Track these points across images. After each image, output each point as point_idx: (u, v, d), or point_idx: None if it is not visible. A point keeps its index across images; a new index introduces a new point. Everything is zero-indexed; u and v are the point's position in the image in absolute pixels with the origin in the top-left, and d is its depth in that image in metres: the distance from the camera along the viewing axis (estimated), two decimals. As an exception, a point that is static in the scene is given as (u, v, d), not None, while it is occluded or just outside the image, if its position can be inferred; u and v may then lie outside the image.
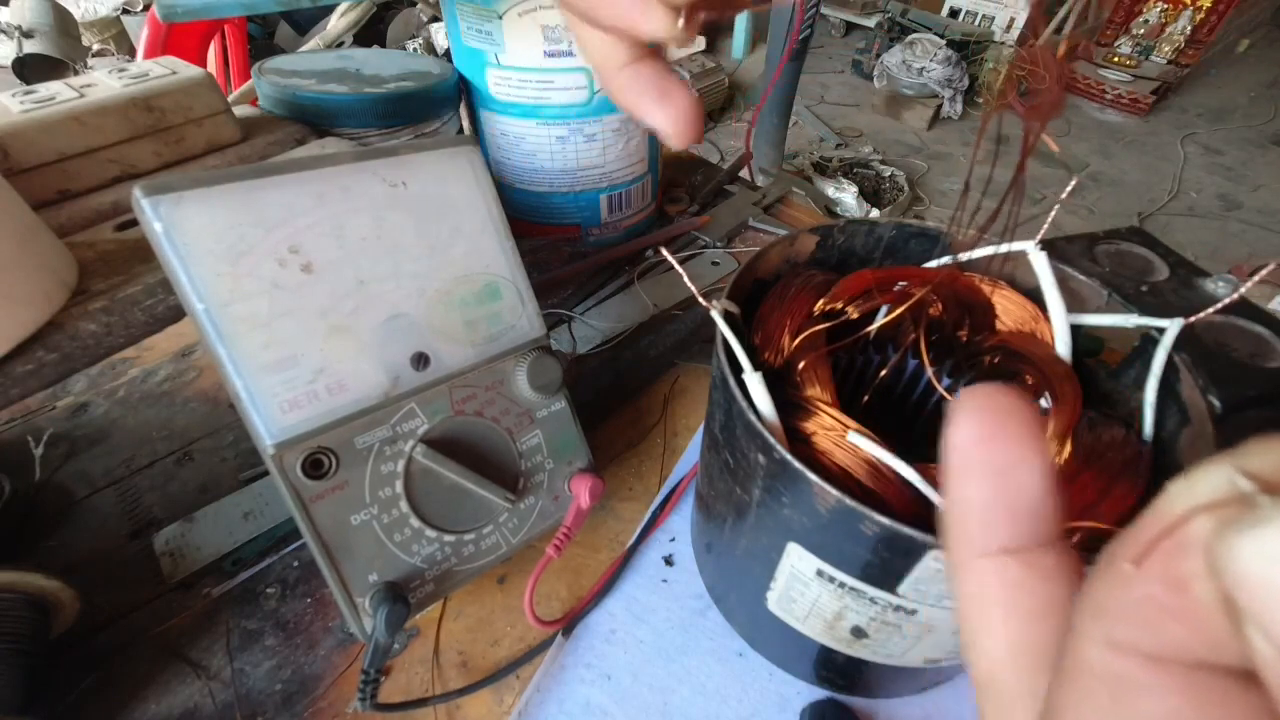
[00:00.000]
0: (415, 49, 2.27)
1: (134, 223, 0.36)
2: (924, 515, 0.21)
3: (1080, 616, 0.08)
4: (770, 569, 0.25)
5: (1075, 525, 0.20)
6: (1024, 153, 0.18)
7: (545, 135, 0.50)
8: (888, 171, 2.07)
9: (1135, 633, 0.07)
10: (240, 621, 0.32)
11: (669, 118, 0.18)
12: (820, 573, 0.23)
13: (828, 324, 0.27)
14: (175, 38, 1.01)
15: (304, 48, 1.08)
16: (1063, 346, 0.26)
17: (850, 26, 3.16)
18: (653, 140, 0.55)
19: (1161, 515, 0.08)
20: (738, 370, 0.23)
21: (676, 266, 0.22)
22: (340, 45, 1.02)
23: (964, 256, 0.28)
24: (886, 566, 0.20)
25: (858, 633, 0.24)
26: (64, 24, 1.55)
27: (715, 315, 0.24)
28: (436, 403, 0.29)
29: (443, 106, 0.51)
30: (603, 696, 0.31)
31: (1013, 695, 0.09)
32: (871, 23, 2.88)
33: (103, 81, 0.39)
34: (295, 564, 0.35)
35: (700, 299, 0.23)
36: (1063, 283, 0.26)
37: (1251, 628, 0.06)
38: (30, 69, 1.50)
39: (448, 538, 0.30)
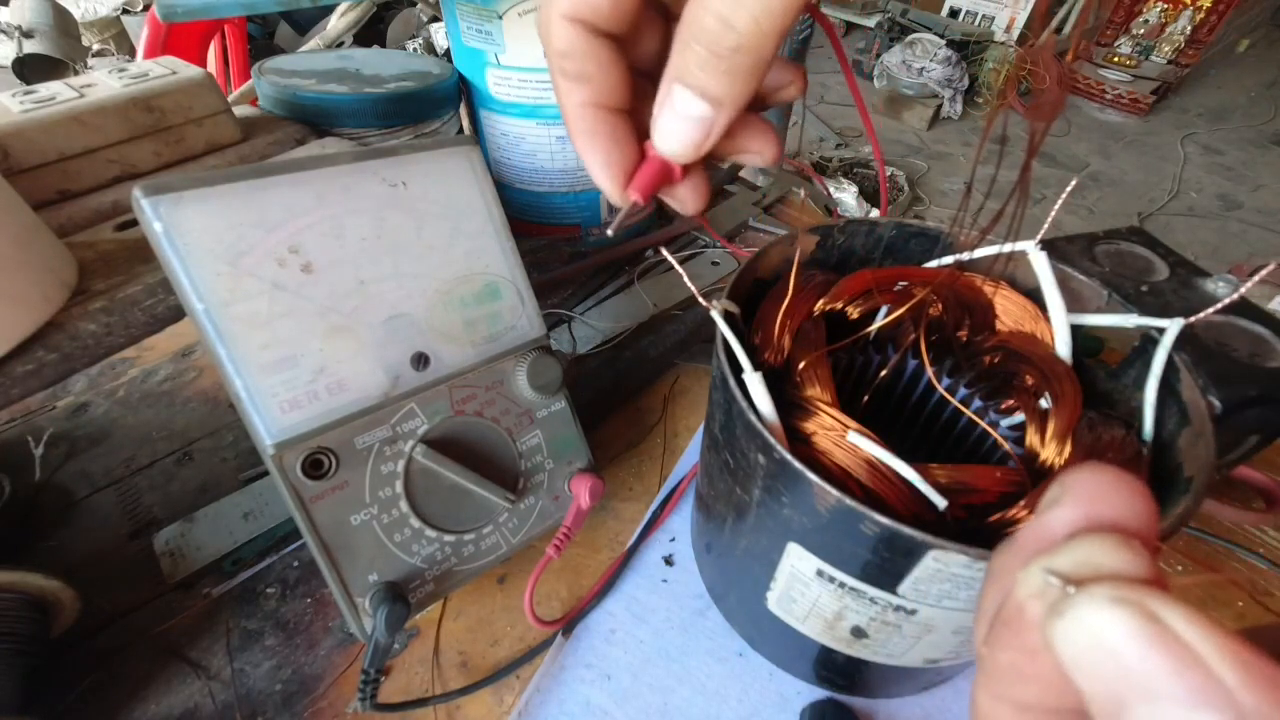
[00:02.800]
0: (415, 49, 2.27)
1: (134, 223, 0.36)
2: (924, 515, 0.21)
3: (978, 673, 0.11)
4: (770, 569, 0.25)
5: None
6: (1029, 153, 0.18)
7: (545, 135, 0.50)
8: (888, 171, 2.07)
9: (1008, 688, 0.10)
10: (240, 621, 0.32)
11: (607, 169, 0.18)
12: (820, 573, 0.23)
13: (825, 318, 0.27)
14: (175, 38, 1.01)
15: (304, 48, 1.08)
16: (1063, 346, 0.26)
17: (850, 26, 3.16)
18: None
19: (996, 588, 0.11)
20: (738, 370, 0.23)
21: (677, 266, 0.22)
22: (340, 45, 1.02)
23: (964, 256, 0.28)
24: (886, 566, 0.20)
25: (858, 633, 0.24)
26: (64, 24, 1.55)
27: (715, 315, 0.24)
28: (436, 403, 0.29)
29: (443, 106, 0.51)
30: (603, 696, 0.31)
31: None
32: (871, 23, 2.88)
33: (103, 81, 0.39)
34: (295, 564, 0.35)
35: (700, 299, 0.23)
36: (1063, 283, 0.26)
37: (1080, 683, 0.09)
38: (30, 69, 1.49)
39: (448, 538, 0.30)
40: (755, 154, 0.19)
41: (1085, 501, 0.10)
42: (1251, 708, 0.07)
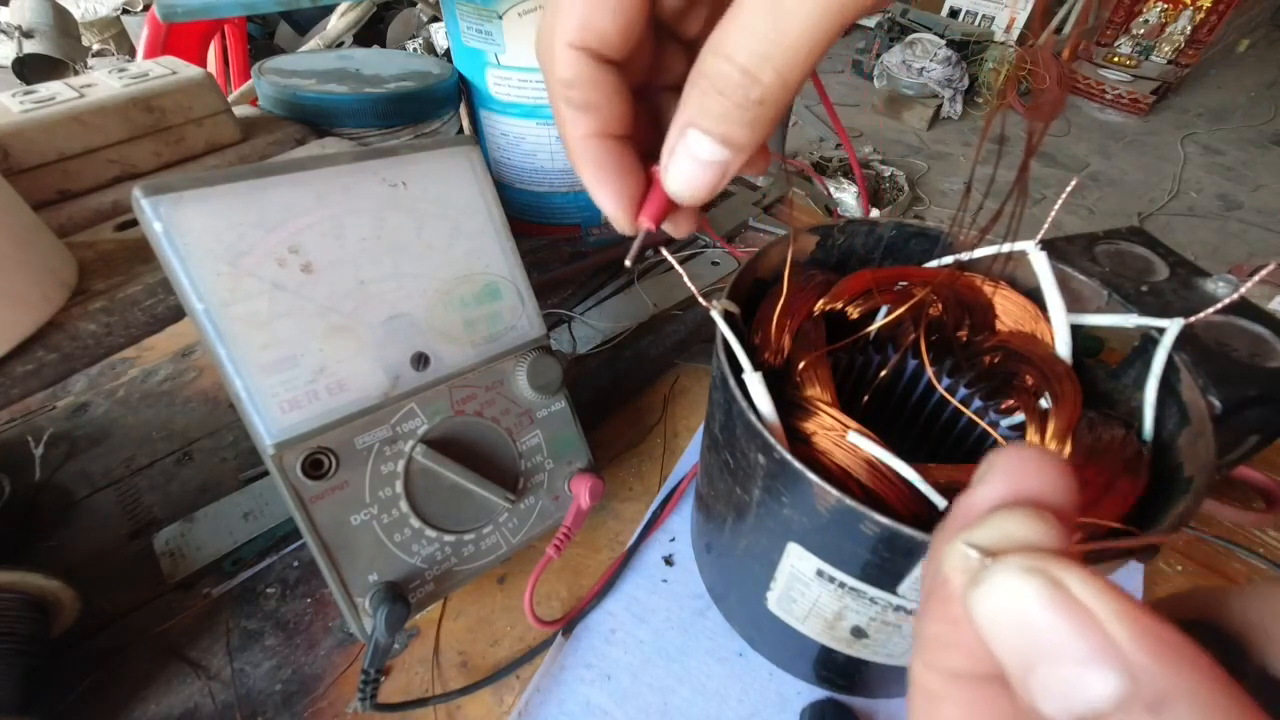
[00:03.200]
0: (415, 49, 2.27)
1: (134, 223, 0.36)
2: (924, 515, 0.21)
3: (914, 644, 0.11)
4: (770, 569, 0.25)
5: (1076, 521, 0.20)
6: (1028, 153, 0.18)
7: (545, 135, 0.50)
8: (888, 171, 2.07)
9: (937, 657, 0.11)
10: (240, 621, 0.32)
11: (618, 200, 0.17)
12: (820, 573, 0.23)
13: (827, 322, 0.27)
14: (175, 38, 1.01)
15: (304, 48, 1.08)
16: (1063, 346, 0.26)
17: (851, 26, 3.15)
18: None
19: (935, 572, 0.11)
20: (738, 370, 0.23)
21: (677, 266, 0.22)
22: (340, 45, 1.02)
23: (964, 256, 0.28)
24: (886, 566, 0.20)
25: (858, 633, 0.24)
26: (64, 24, 1.55)
27: (715, 315, 0.24)
28: (436, 403, 0.29)
29: (443, 106, 0.51)
30: (603, 696, 0.31)
31: None
32: (871, 23, 2.88)
33: (103, 81, 0.39)
34: (295, 564, 0.35)
35: (700, 299, 0.23)
36: (1063, 283, 0.26)
37: (995, 649, 0.09)
38: (30, 69, 1.49)
39: (448, 538, 0.30)
40: (749, 166, 0.19)
41: (1008, 478, 0.11)
42: (1140, 663, 0.08)
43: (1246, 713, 0.08)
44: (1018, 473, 0.11)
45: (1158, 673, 0.08)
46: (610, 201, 0.17)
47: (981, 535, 0.10)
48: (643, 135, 0.18)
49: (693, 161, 0.16)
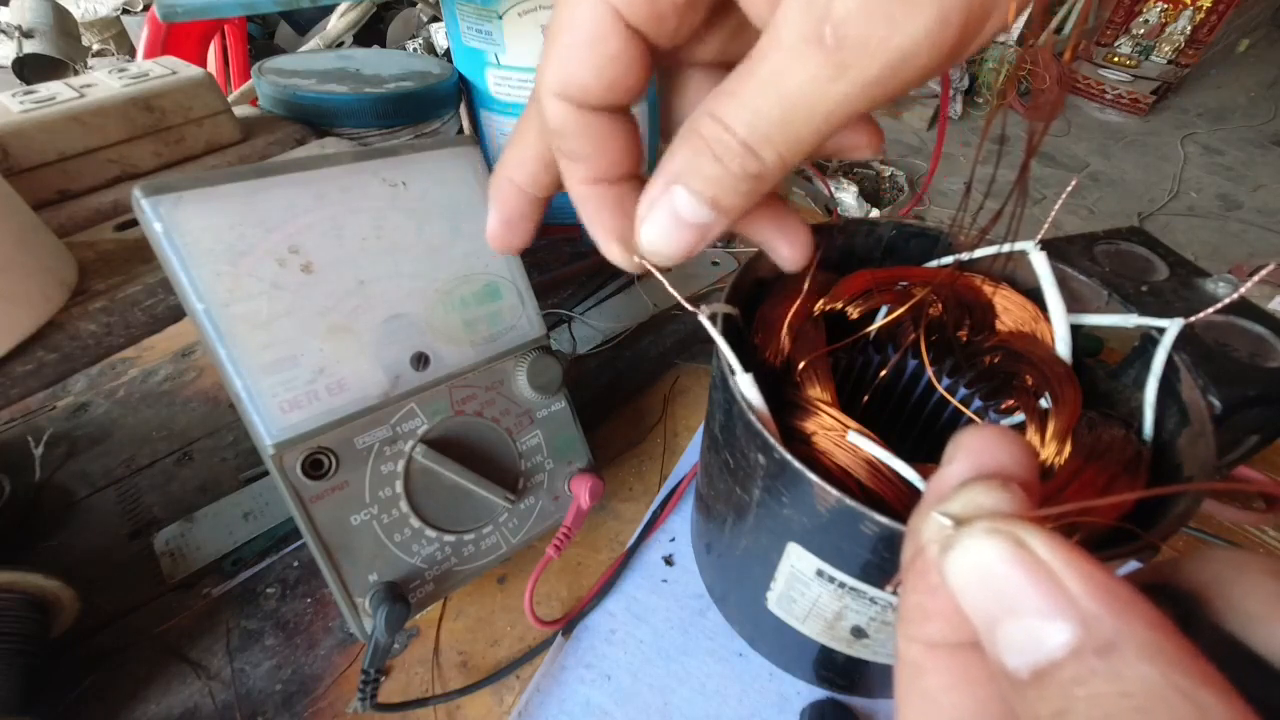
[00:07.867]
0: (415, 49, 2.27)
1: (134, 223, 0.36)
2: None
3: (897, 619, 0.12)
4: (770, 569, 0.25)
5: (1075, 522, 0.20)
6: (1028, 153, 0.18)
7: (545, 135, 0.50)
8: (888, 171, 2.07)
9: (917, 628, 0.11)
10: (240, 621, 0.32)
11: (611, 242, 0.17)
12: (820, 573, 0.23)
13: (827, 322, 0.27)
14: (175, 38, 1.01)
15: (304, 48, 1.08)
16: (1063, 346, 0.26)
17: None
18: (652, 141, 0.55)
19: (912, 544, 0.11)
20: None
21: (658, 275, 0.20)
22: (340, 45, 1.02)
23: (964, 256, 0.28)
24: (886, 566, 0.20)
25: (858, 633, 0.24)
26: (64, 24, 1.55)
27: (704, 320, 0.23)
28: (436, 403, 0.29)
29: (443, 106, 0.51)
30: (603, 696, 0.31)
31: None
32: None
33: (103, 81, 0.39)
34: (295, 564, 0.35)
35: (687, 305, 0.22)
36: (1063, 283, 0.26)
37: (965, 609, 0.10)
38: (30, 69, 1.50)
39: (448, 538, 0.30)
40: (862, 147, 0.17)
41: (973, 454, 0.12)
42: (1090, 612, 0.09)
43: (1186, 656, 0.08)
44: (981, 450, 0.12)
45: (1106, 621, 0.08)
46: (605, 243, 0.17)
47: (954, 505, 0.11)
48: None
49: (673, 218, 0.15)
